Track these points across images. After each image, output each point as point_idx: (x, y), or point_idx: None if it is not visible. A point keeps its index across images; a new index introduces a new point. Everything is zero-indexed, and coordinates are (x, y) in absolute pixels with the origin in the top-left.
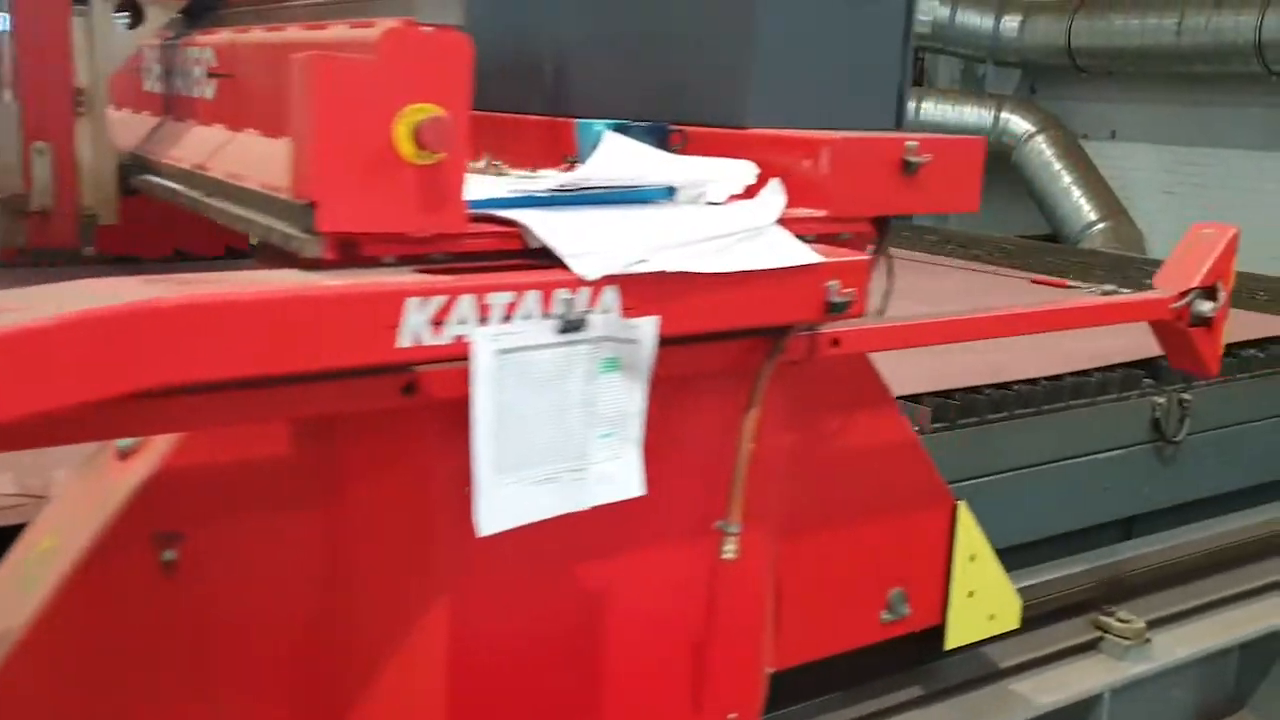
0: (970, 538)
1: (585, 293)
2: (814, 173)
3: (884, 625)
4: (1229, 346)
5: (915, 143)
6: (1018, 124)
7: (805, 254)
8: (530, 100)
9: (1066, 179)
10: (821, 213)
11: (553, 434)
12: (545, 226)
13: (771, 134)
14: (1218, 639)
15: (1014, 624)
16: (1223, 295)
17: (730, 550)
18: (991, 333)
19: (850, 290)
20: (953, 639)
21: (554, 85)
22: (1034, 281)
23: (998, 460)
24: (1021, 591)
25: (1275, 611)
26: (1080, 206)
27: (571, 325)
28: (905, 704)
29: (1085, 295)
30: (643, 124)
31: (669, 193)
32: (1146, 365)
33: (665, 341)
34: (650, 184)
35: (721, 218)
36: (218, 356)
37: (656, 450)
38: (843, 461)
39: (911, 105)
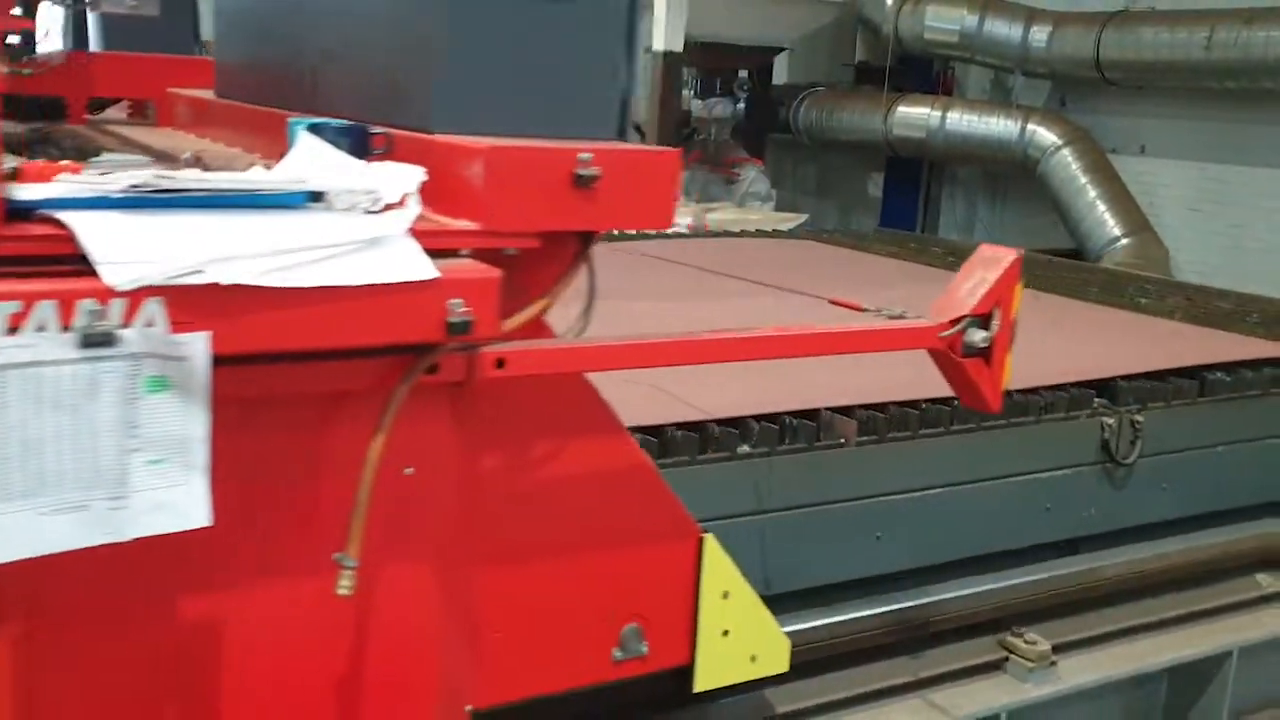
0: (721, 573)
1: (120, 304)
2: (471, 183)
3: (617, 664)
4: (1195, 368)
5: (588, 154)
6: (1044, 136)
7: (417, 270)
8: (295, 98)
9: (1092, 193)
10: (474, 225)
11: (77, 459)
12: (89, 229)
13: (444, 141)
14: (1130, 665)
15: (781, 667)
16: (997, 324)
17: (345, 586)
18: (693, 358)
19: (468, 310)
20: (703, 681)
21: (311, 83)
22: (831, 302)
23: (930, 476)
24: (931, 607)
25: (1199, 639)
26: (1104, 221)
27: (96, 340)
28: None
29: (872, 319)
30: (337, 124)
31: (304, 198)
32: (1101, 385)
33: (262, 359)
34: (278, 188)
35: (329, 228)
36: None
37: (290, 477)
38: (555, 489)
39: (936, 115)
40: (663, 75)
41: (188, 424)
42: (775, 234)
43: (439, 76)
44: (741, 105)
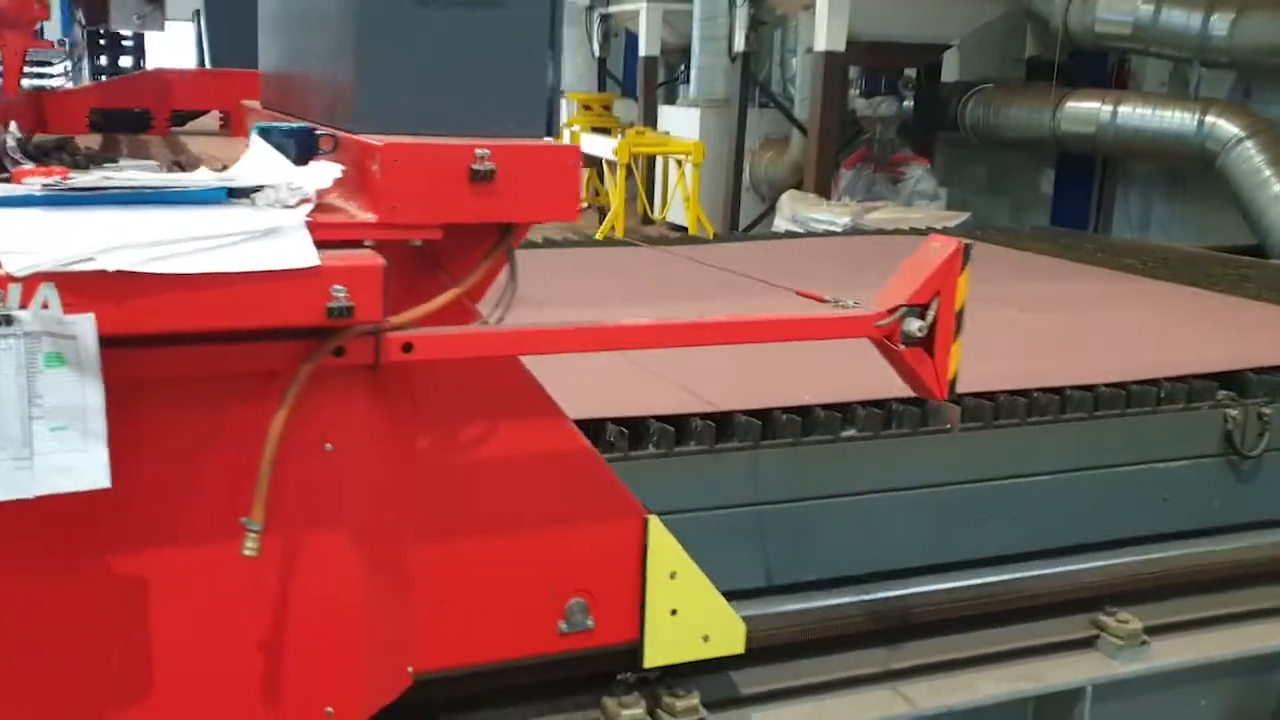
0: (666, 553)
1: (17, 289)
2: (374, 178)
3: (564, 636)
4: None
5: (485, 150)
6: (1224, 129)
7: (298, 258)
8: (293, 105)
9: (1276, 187)
10: (372, 218)
11: None
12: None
13: (361, 140)
14: (1231, 649)
15: (736, 648)
16: (934, 313)
17: (250, 547)
18: (603, 345)
19: (349, 296)
20: (652, 658)
21: (301, 91)
22: (798, 293)
23: (1039, 462)
24: (1025, 583)
25: None
26: None
27: None
28: (878, 675)
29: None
30: (284, 127)
31: (223, 193)
32: (1231, 378)
33: (155, 340)
34: (198, 185)
35: (228, 220)
36: None
37: (222, 448)
38: (492, 467)
39: (1107, 109)
40: (825, 75)
41: (85, 395)
42: (928, 232)
43: (359, 79)
44: (908, 103)
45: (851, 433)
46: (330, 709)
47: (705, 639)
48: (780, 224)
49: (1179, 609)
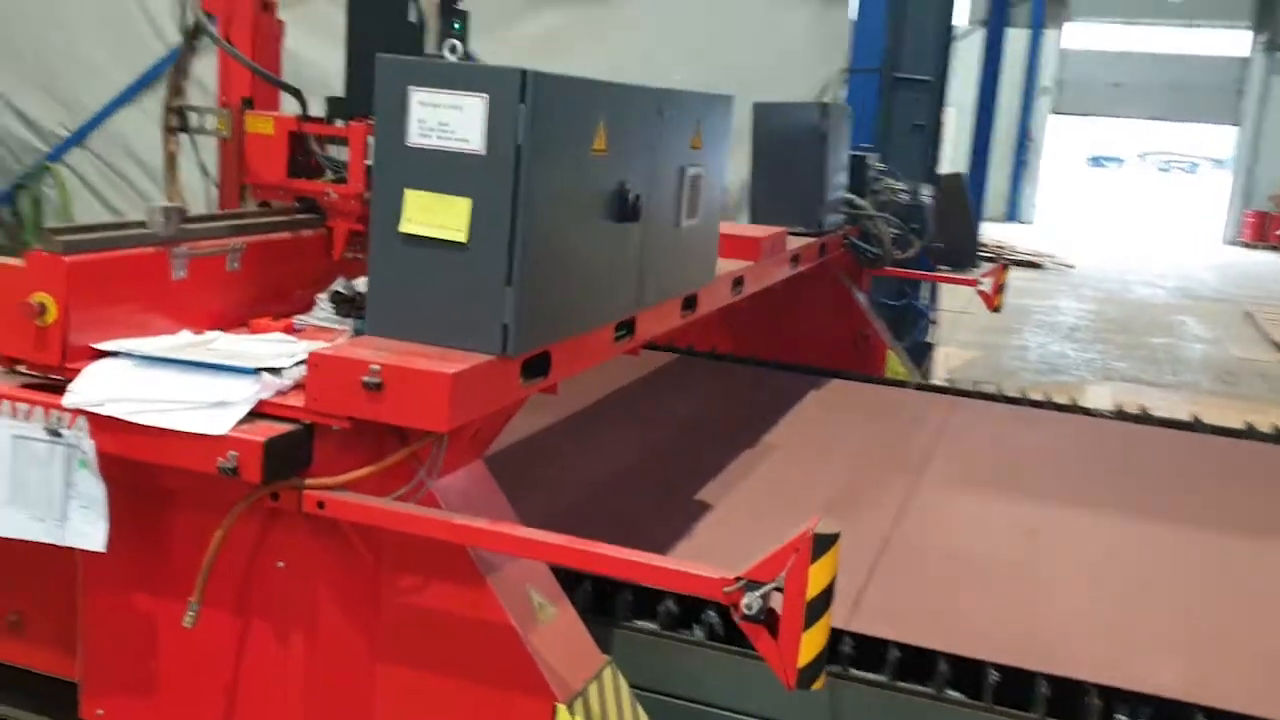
0: None
1: (66, 415)
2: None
3: None
4: None
5: (377, 366)
6: None
7: (209, 427)
8: None
9: None
10: (298, 403)
11: (40, 493)
12: (93, 370)
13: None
14: None
15: None
16: (763, 592)
17: (189, 619)
18: (496, 546)
19: (235, 459)
20: None
21: None
22: None
23: None
24: None
25: None
26: None
27: (52, 432)
28: None
29: None
30: None
31: (253, 370)
32: None
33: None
34: (235, 363)
35: (206, 387)
36: None
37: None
38: (420, 616)
39: None
40: None
41: (98, 489)
42: None
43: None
44: None
45: None
46: None
47: None
48: None
49: None
